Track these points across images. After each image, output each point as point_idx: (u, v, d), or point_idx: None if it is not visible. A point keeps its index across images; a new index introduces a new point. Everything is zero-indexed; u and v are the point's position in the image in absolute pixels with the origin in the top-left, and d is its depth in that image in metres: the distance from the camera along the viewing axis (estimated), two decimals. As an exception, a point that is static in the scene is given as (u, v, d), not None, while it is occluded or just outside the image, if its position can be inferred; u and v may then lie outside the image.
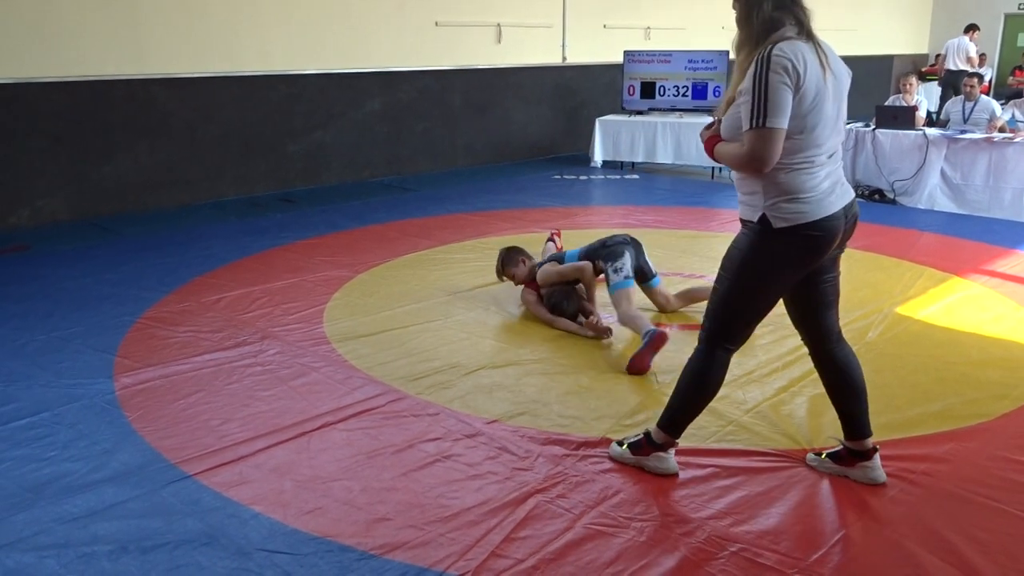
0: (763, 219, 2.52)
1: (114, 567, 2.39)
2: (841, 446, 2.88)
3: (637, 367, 3.77)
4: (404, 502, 2.72)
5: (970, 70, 12.64)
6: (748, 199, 2.58)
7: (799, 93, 2.39)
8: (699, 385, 2.76)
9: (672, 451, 2.89)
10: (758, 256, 2.57)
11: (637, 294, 4.36)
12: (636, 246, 4.53)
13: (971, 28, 13.55)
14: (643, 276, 4.53)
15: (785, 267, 2.57)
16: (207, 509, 2.68)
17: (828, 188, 2.50)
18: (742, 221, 2.64)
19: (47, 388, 3.61)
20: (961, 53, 13.02)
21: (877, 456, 2.81)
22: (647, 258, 4.55)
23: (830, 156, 2.54)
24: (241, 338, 4.19)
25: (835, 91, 2.49)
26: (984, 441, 3.11)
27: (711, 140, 2.64)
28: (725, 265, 2.66)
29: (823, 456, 2.92)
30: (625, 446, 2.97)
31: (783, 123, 2.39)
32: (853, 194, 2.63)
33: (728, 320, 2.68)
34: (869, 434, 2.81)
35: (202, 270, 5.42)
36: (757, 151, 2.41)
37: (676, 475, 2.86)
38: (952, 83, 12.71)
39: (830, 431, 3.11)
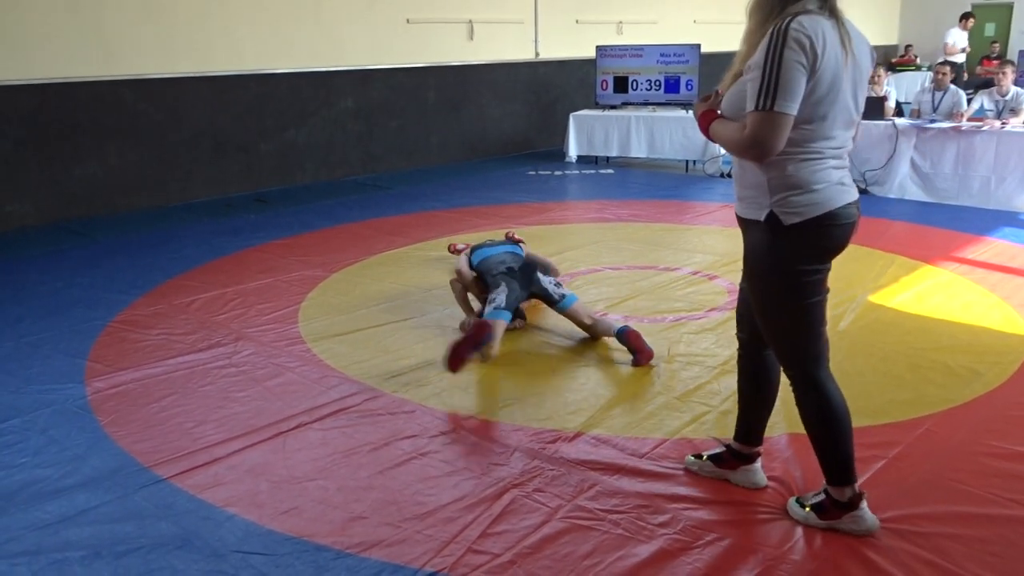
0: (771, 217, 2.25)
1: (87, 573, 2.36)
2: (723, 448, 2.81)
3: (451, 361, 3.48)
4: (380, 500, 2.72)
5: (943, 58, 12.88)
6: (751, 194, 2.31)
7: (815, 77, 2.12)
8: (825, 420, 2.42)
9: (863, 504, 2.47)
10: (777, 260, 2.29)
11: (563, 322, 4.16)
12: (525, 275, 4.03)
13: (963, 16, 13.69)
14: (549, 301, 4.04)
15: (810, 261, 2.28)
16: (181, 512, 2.66)
17: (839, 178, 2.25)
18: (744, 221, 2.38)
19: (17, 394, 3.56)
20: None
21: (760, 460, 2.77)
22: (548, 283, 4.05)
23: (837, 151, 2.26)
24: (215, 340, 4.16)
25: (854, 79, 2.22)
26: (955, 427, 3.15)
27: (707, 115, 2.36)
28: (755, 289, 2.40)
29: (703, 458, 2.83)
30: (808, 508, 2.55)
31: (793, 108, 2.12)
32: (857, 194, 2.34)
33: (797, 345, 2.39)
34: (760, 442, 2.75)
35: (174, 272, 5.37)
36: (760, 136, 2.14)
37: (876, 529, 2.48)
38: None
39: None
